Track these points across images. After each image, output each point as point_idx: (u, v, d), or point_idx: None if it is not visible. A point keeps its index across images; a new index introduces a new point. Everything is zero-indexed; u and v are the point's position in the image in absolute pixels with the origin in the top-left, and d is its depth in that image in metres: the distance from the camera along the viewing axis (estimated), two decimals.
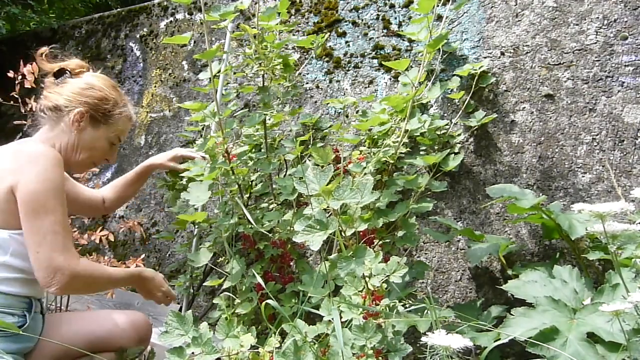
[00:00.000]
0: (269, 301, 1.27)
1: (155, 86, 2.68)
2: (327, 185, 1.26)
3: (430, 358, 0.89)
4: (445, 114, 1.84)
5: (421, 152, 1.76)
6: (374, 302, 1.31)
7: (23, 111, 2.00)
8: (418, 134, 1.70)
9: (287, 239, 1.70)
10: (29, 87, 1.97)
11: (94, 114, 1.50)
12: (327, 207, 1.27)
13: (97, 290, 1.68)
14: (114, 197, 1.83)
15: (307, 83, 2.16)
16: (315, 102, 2.14)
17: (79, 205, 1.68)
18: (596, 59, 1.61)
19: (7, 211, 1.32)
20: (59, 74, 1.53)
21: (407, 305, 1.36)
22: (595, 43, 1.62)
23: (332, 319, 1.16)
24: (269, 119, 1.77)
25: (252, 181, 1.85)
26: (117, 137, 1.57)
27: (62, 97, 1.48)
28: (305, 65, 2.17)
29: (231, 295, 1.56)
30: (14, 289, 1.33)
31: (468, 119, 1.76)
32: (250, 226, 1.67)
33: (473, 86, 1.74)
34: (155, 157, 1.85)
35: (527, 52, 1.72)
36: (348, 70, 2.07)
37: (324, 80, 2.13)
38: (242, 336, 1.35)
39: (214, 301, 1.55)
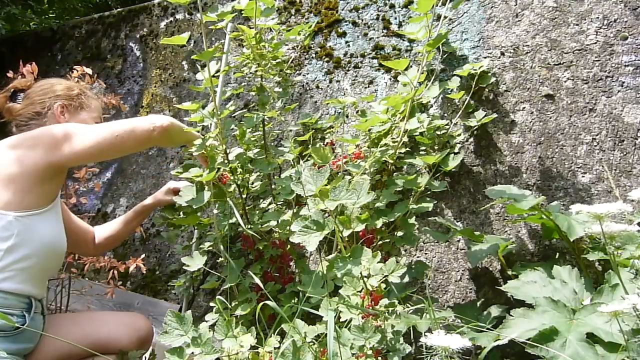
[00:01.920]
0: (267, 302, 1.27)
1: (155, 86, 2.68)
2: (324, 185, 1.26)
3: (430, 358, 0.89)
4: (446, 114, 1.84)
5: (421, 152, 1.76)
6: (372, 302, 1.31)
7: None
8: (417, 133, 1.70)
9: (287, 239, 1.70)
10: None
11: (70, 102, 1.59)
12: (324, 207, 1.27)
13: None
14: (106, 234, 1.81)
15: (307, 83, 2.16)
16: (315, 102, 2.14)
17: (70, 236, 1.60)
18: (596, 59, 1.61)
19: (20, 191, 1.34)
20: (15, 95, 1.62)
21: (407, 306, 1.36)
22: (595, 43, 1.61)
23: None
24: (267, 119, 1.77)
25: (251, 182, 1.85)
26: (98, 117, 1.66)
27: (35, 105, 1.57)
28: (306, 65, 2.17)
29: (227, 297, 1.56)
30: (16, 285, 1.32)
31: (468, 119, 1.76)
32: (249, 226, 1.67)
33: (473, 86, 1.74)
34: (150, 197, 1.83)
35: (527, 52, 1.72)
36: (348, 70, 2.07)
37: (324, 80, 2.12)
38: (242, 336, 1.36)
39: (211, 304, 1.55)
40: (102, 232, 1.81)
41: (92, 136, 1.38)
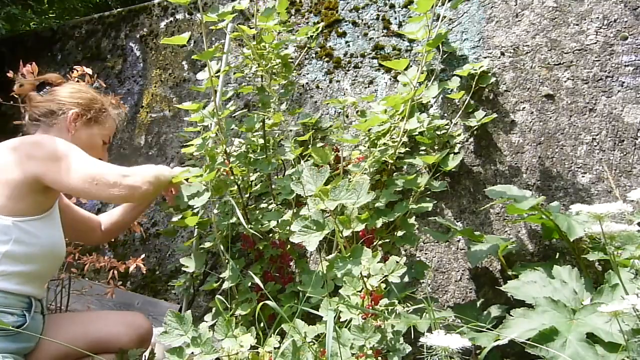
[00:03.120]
0: (267, 302, 1.27)
1: (155, 86, 2.68)
2: (323, 185, 1.26)
3: (430, 358, 0.89)
4: (446, 114, 1.84)
5: (421, 152, 1.76)
6: (372, 302, 1.31)
7: (23, 111, 2.00)
8: (417, 133, 1.70)
9: (287, 239, 1.70)
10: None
11: (87, 113, 1.57)
12: (324, 207, 1.27)
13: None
14: (113, 220, 1.80)
15: (307, 83, 2.16)
16: (315, 102, 2.14)
17: (76, 227, 1.63)
18: (596, 59, 1.61)
19: (14, 198, 1.34)
20: (42, 87, 1.60)
21: (407, 306, 1.36)
22: (595, 43, 1.62)
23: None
24: (268, 120, 1.77)
25: (251, 181, 1.85)
26: (107, 135, 1.65)
27: (53, 103, 1.56)
28: (306, 65, 2.17)
29: (227, 297, 1.56)
30: (15, 286, 1.32)
31: (468, 119, 1.76)
32: (249, 226, 1.67)
33: (473, 86, 1.74)
34: None
35: (527, 52, 1.72)
36: (348, 70, 2.07)
37: (324, 80, 2.12)
38: (242, 336, 1.36)
39: (211, 305, 1.55)
40: (108, 218, 1.80)
41: (79, 175, 1.37)
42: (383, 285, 1.34)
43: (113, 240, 2.35)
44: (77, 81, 1.79)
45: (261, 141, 1.78)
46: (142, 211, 1.87)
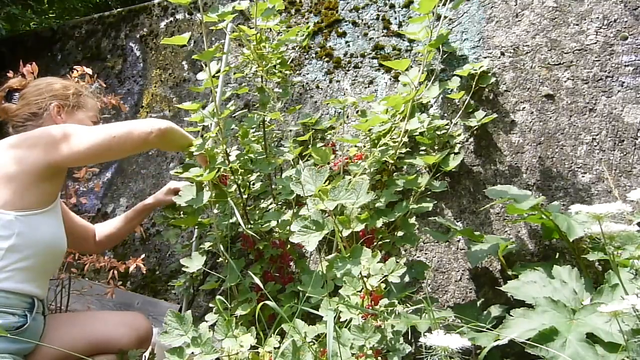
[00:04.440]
0: (267, 302, 1.27)
1: (155, 86, 2.68)
2: (323, 185, 1.26)
3: (429, 358, 0.89)
4: (446, 114, 1.84)
5: (421, 152, 1.76)
6: (372, 302, 1.31)
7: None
8: (417, 133, 1.70)
9: (287, 239, 1.70)
10: None
11: (66, 101, 1.58)
12: (324, 207, 1.27)
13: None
14: (107, 232, 1.81)
15: (307, 83, 2.16)
16: (315, 102, 2.14)
17: (70, 234, 1.61)
18: (596, 59, 1.61)
19: (19, 192, 1.34)
20: (10, 95, 1.60)
21: (407, 306, 1.36)
22: (595, 43, 1.62)
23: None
24: (268, 120, 1.77)
25: (251, 182, 1.85)
26: (94, 115, 1.66)
27: (32, 105, 1.57)
28: (306, 65, 2.17)
29: (227, 297, 1.56)
30: (18, 285, 1.32)
31: (468, 119, 1.76)
32: (249, 226, 1.67)
33: (473, 86, 1.74)
34: (151, 196, 1.84)
35: (527, 52, 1.72)
36: (348, 70, 2.07)
37: (324, 80, 2.12)
38: (242, 336, 1.36)
39: (211, 304, 1.55)
40: (103, 230, 1.81)
41: (91, 137, 1.38)
42: (383, 285, 1.34)
43: None
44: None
45: (258, 145, 1.78)
46: (138, 224, 1.88)
